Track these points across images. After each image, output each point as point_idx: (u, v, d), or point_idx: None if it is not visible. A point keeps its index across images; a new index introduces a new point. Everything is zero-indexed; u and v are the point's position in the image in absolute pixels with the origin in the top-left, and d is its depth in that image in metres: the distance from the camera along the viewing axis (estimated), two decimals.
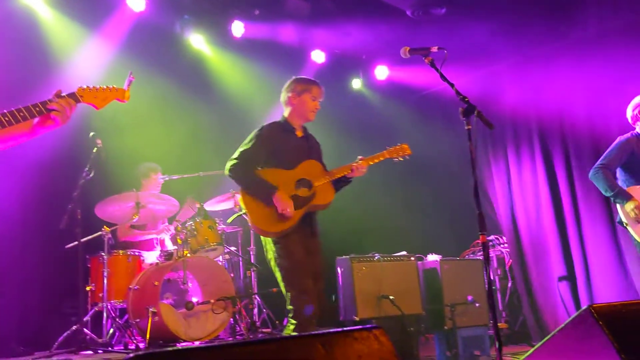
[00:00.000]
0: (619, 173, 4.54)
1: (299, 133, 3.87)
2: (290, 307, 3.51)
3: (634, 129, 4.60)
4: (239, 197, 3.70)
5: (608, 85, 6.05)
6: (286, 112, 3.88)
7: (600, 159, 4.53)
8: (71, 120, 2.95)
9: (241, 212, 3.64)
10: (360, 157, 3.87)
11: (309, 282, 3.54)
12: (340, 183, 3.85)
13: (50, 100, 2.66)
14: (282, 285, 3.58)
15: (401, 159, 4.04)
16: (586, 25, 6.26)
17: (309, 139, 3.95)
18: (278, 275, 3.60)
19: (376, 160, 3.94)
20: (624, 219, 4.32)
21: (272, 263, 3.64)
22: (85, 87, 2.84)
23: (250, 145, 3.70)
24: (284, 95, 3.88)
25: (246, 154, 3.68)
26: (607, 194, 4.43)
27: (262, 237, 3.70)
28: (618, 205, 4.37)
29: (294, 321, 3.46)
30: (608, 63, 6.09)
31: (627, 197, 4.28)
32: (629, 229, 4.29)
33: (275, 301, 6.34)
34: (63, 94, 2.74)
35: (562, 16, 6.32)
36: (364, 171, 3.83)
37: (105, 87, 2.91)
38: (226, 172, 3.68)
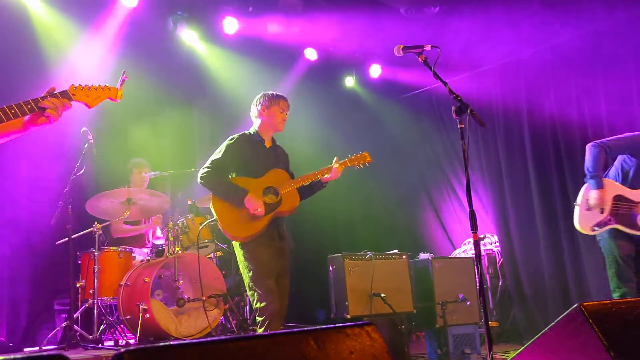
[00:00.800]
0: (613, 171, 4.50)
1: (268, 144, 4.12)
2: (256, 305, 3.74)
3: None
4: (210, 206, 3.88)
5: (602, 85, 6.09)
6: (256, 124, 4.11)
7: (607, 139, 4.46)
8: (63, 115, 2.94)
9: (212, 219, 3.86)
10: (336, 158, 4.09)
11: (272, 283, 3.79)
12: (314, 189, 4.11)
13: (43, 98, 2.64)
14: (247, 285, 3.82)
15: (361, 167, 4.21)
16: (579, 25, 6.29)
17: (277, 149, 4.20)
18: (245, 277, 3.83)
19: (347, 164, 4.16)
20: (578, 201, 4.37)
21: (241, 266, 3.87)
22: (77, 85, 2.82)
23: (221, 154, 3.94)
24: (253, 110, 4.13)
25: (218, 162, 3.92)
26: (587, 172, 4.39)
27: (234, 243, 3.92)
28: (584, 187, 4.40)
29: (259, 318, 3.71)
30: (599, 63, 6.14)
31: (599, 186, 4.29)
32: (576, 209, 4.36)
33: None
34: (56, 92, 2.72)
35: (554, 16, 6.35)
36: (338, 175, 4.07)
37: (97, 85, 2.89)
38: (199, 180, 3.90)
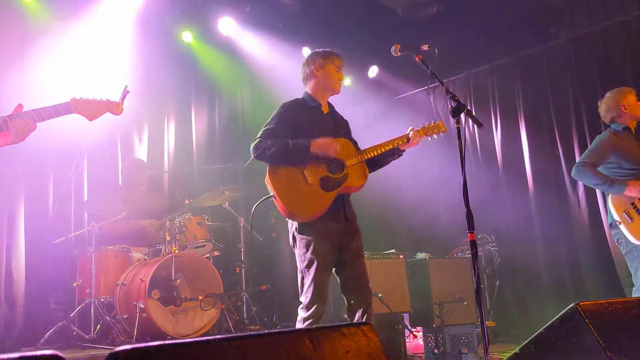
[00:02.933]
0: (618, 173, 4.32)
1: (325, 109, 3.60)
2: (301, 299, 3.26)
3: (609, 126, 4.55)
4: (265, 180, 3.32)
5: (596, 86, 6.10)
6: (308, 87, 3.60)
7: (582, 157, 4.36)
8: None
9: (269, 196, 3.33)
10: (411, 127, 3.63)
11: (326, 280, 3.27)
12: (392, 156, 3.62)
13: (10, 118, 2.65)
14: (299, 275, 3.32)
15: (435, 137, 3.75)
16: (574, 27, 6.31)
17: (335, 115, 3.68)
18: (298, 264, 3.33)
19: (422, 134, 3.67)
20: (616, 218, 4.14)
21: (295, 250, 3.38)
22: (78, 97, 2.84)
23: (272, 124, 3.40)
24: (305, 70, 3.61)
25: (269, 132, 3.36)
26: (599, 187, 4.27)
27: (289, 223, 3.41)
28: (611, 205, 4.19)
29: (303, 314, 3.23)
30: (597, 63, 6.16)
31: (624, 184, 4.09)
32: (621, 228, 4.12)
33: (264, 298, 6.35)
34: (57, 104, 2.74)
35: (551, 18, 6.37)
36: (419, 142, 3.61)
37: (99, 99, 2.91)
38: (251, 151, 3.35)
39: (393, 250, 5.31)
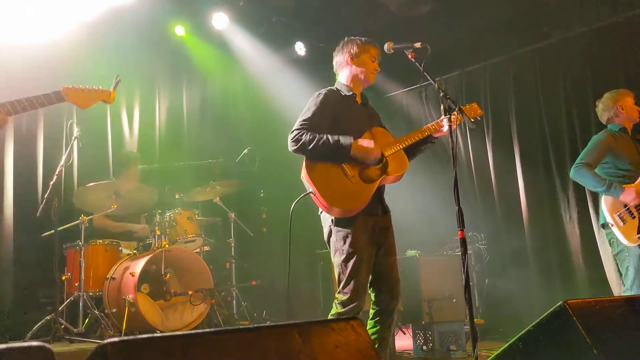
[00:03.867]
0: (613, 174, 4.37)
1: (359, 99, 3.50)
2: (338, 296, 3.16)
3: (606, 126, 4.57)
4: (302, 176, 3.21)
5: (588, 86, 6.14)
6: (342, 77, 3.50)
7: (580, 157, 4.39)
8: (50, 106, 2.92)
9: (308, 192, 3.21)
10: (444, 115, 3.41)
11: (364, 276, 3.17)
12: (425, 144, 3.49)
13: None
14: (335, 271, 3.21)
15: (472, 120, 3.43)
16: (567, 27, 6.34)
17: (368, 105, 3.57)
18: (334, 260, 3.22)
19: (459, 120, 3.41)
20: (608, 220, 4.20)
21: (330, 245, 3.26)
22: (70, 86, 2.82)
23: (310, 113, 3.27)
24: (339, 58, 3.50)
25: (307, 122, 3.23)
26: (597, 189, 4.28)
27: (322, 217, 3.31)
28: (603, 206, 4.24)
29: (339, 310, 3.12)
30: (588, 63, 6.19)
31: (621, 188, 4.13)
32: (613, 230, 4.17)
33: (254, 294, 6.35)
34: (49, 92, 2.73)
35: (544, 18, 6.39)
36: (455, 126, 3.31)
37: (91, 88, 2.89)
38: (289, 144, 3.22)
39: None
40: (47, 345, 1.16)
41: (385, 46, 3.41)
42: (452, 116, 3.23)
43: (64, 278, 4.93)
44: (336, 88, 3.47)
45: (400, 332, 4.99)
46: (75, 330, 4.65)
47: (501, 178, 6.83)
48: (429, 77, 3.25)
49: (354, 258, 3.13)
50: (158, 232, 5.12)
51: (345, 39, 3.52)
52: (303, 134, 3.18)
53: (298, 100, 6.98)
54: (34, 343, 1.04)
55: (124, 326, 4.50)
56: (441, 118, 3.36)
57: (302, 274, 6.37)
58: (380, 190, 3.33)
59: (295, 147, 3.20)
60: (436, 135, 3.46)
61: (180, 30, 6.60)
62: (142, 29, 6.18)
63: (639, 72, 5.82)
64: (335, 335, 1.40)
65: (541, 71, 6.59)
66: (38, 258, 5.26)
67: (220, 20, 6.54)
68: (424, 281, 5.20)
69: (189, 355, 1.16)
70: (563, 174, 6.15)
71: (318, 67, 7.48)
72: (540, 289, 6.25)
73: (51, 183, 4.81)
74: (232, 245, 6.09)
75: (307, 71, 7.29)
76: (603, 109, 4.56)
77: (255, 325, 3.18)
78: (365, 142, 3.21)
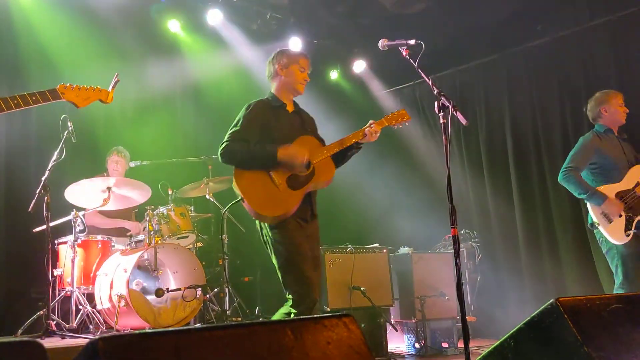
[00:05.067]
0: (584, 174, 4.50)
1: (290, 108, 3.61)
2: (289, 296, 3.24)
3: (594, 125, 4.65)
4: (233, 184, 3.35)
5: (581, 85, 6.16)
6: (273, 87, 3.63)
7: (567, 161, 4.49)
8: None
9: (237, 200, 3.35)
10: (371, 120, 3.63)
11: (310, 269, 3.28)
12: (351, 150, 3.59)
13: None
14: (280, 273, 3.30)
15: (400, 126, 3.79)
16: (561, 26, 6.36)
17: (301, 113, 3.68)
18: (276, 262, 3.32)
19: (385, 124, 3.68)
20: (595, 220, 4.30)
21: (270, 250, 3.36)
22: (67, 85, 2.81)
23: (239, 125, 3.41)
24: (270, 69, 3.63)
25: (237, 134, 3.38)
26: (581, 196, 4.38)
27: (258, 222, 3.40)
28: (589, 207, 4.34)
29: (294, 310, 3.20)
30: (581, 62, 6.21)
31: (603, 198, 4.25)
32: (600, 229, 4.27)
33: (246, 290, 6.35)
34: (44, 90, 2.72)
35: (538, 16, 6.41)
36: (377, 136, 3.59)
37: (88, 87, 2.88)
38: (219, 156, 3.37)
39: (377, 245, 5.32)
40: (38, 340, 1.15)
41: (380, 43, 3.42)
42: (373, 125, 3.53)
43: (55, 274, 4.91)
44: (267, 98, 3.59)
45: (392, 329, 4.99)
46: (67, 326, 4.63)
47: (494, 176, 6.85)
48: (423, 75, 3.26)
49: (296, 256, 3.26)
50: (150, 228, 5.11)
51: (277, 50, 3.65)
52: (232, 145, 3.34)
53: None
54: (25, 338, 1.04)
55: (116, 322, 4.49)
56: (365, 126, 3.56)
57: None
58: (310, 196, 3.43)
59: (224, 159, 3.36)
60: (362, 141, 3.57)
61: (174, 26, 6.57)
62: (135, 23, 6.15)
63: (632, 71, 5.85)
64: (327, 332, 1.40)
65: (534, 69, 6.60)
66: (29, 253, 5.23)
67: (215, 17, 6.51)
68: (417, 278, 5.22)
69: (181, 351, 1.16)
70: (555, 171, 6.12)
71: (313, 63, 7.48)
72: (532, 286, 6.27)
73: (43, 178, 4.78)
74: (225, 241, 6.08)
75: None
76: (589, 109, 4.67)
77: (248, 321, 3.19)
78: (291, 148, 3.31)
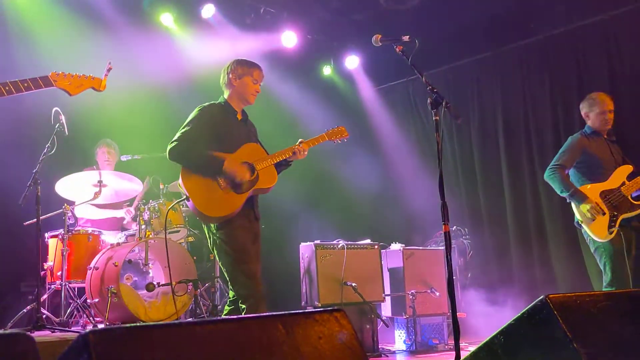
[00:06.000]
0: (571, 172, 4.60)
1: (239, 116, 3.77)
2: (239, 292, 3.43)
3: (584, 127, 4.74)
4: (179, 182, 3.51)
5: (574, 83, 6.19)
6: (226, 94, 3.77)
7: (555, 159, 4.59)
8: (34, 94, 2.89)
9: (183, 198, 3.52)
10: (301, 139, 3.82)
11: (254, 267, 3.48)
12: (280, 167, 3.79)
13: None
14: (226, 271, 3.49)
15: (339, 142, 4.01)
16: (554, 24, 6.37)
17: (247, 122, 3.87)
18: (222, 262, 3.51)
19: (316, 143, 3.92)
20: (579, 218, 4.41)
21: (216, 250, 3.55)
22: (59, 72, 2.79)
23: (190, 126, 3.56)
24: (224, 77, 3.77)
25: (187, 134, 3.53)
26: (563, 194, 4.49)
27: (204, 228, 3.61)
28: (573, 205, 4.45)
29: (243, 305, 3.39)
30: (574, 60, 6.24)
31: (583, 198, 4.35)
32: (584, 227, 4.38)
33: None
34: (36, 77, 2.69)
35: (531, 14, 6.42)
36: (305, 154, 3.79)
37: (81, 74, 2.86)
38: (167, 154, 3.52)
39: (368, 241, 5.33)
40: (28, 333, 1.15)
41: (373, 39, 3.43)
42: (300, 146, 3.74)
43: (46, 267, 4.88)
44: (220, 103, 3.75)
45: (383, 325, 5.00)
46: (57, 320, 4.61)
47: (486, 173, 6.87)
48: (416, 71, 3.26)
49: (242, 255, 3.47)
50: (142, 223, 5.09)
51: (233, 59, 3.79)
52: (182, 145, 3.48)
53: (286, 93, 7.00)
54: (15, 331, 1.03)
55: (106, 316, 4.48)
56: (297, 143, 3.77)
57: (283, 268, 6.36)
58: (252, 199, 3.64)
59: (172, 157, 3.51)
60: (291, 159, 3.78)
61: (167, 19, 6.53)
62: (128, 16, 6.12)
63: (623, 70, 5.88)
64: (319, 327, 1.40)
65: (527, 67, 6.62)
66: (20, 247, 5.20)
67: (208, 10, 6.48)
68: (408, 274, 5.23)
69: (171, 345, 1.15)
70: (546, 169, 6.20)
71: (307, 58, 7.47)
72: (522, 283, 6.31)
73: (34, 171, 4.75)
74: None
75: (296, 63, 7.27)
76: (581, 109, 4.79)
77: (239, 316, 3.22)
78: (236, 166, 3.49)
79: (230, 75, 3.73)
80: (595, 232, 4.32)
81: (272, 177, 3.67)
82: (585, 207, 4.32)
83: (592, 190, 4.40)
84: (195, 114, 3.63)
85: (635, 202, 4.30)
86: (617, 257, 4.27)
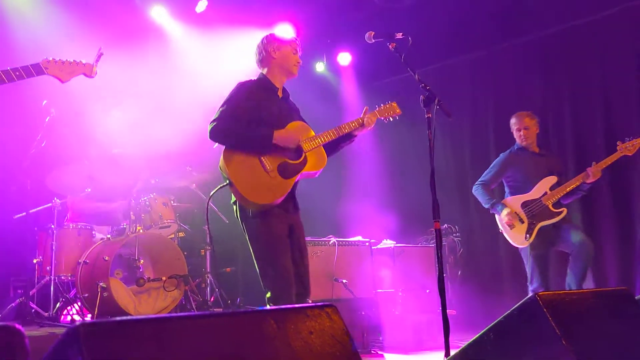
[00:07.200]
0: (506, 187, 4.99)
1: (280, 93, 3.46)
2: (267, 290, 3.13)
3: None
4: (220, 165, 3.19)
5: (567, 82, 6.22)
6: (265, 70, 3.47)
7: (482, 175, 5.02)
8: (24, 86, 2.87)
9: (224, 184, 3.21)
10: (366, 107, 3.59)
11: (289, 262, 3.17)
12: (344, 140, 3.52)
13: None
14: (257, 265, 3.18)
15: (391, 119, 3.75)
16: (546, 24, 6.40)
17: (289, 101, 3.55)
18: (254, 253, 3.20)
19: (377, 116, 3.65)
20: (500, 226, 4.82)
21: (249, 239, 3.22)
22: (50, 59, 2.76)
23: (230, 103, 3.26)
24: (260, 53, 3.47)
25: (227, 112, 3.22)
26: (486, 206, 4.90)
27: (237, 210, 3.26)
28: (496, 216, 4.84)
29: (270, 304, 3.11)
30: (566, 60, 6.26)
31: (502, 208, 4.75)
32: (505, 235, 4.79)
33: (228, 281, 6.33)
34: (28, 65, 2.68)
35: (524, 14, 6.44)
36: (373, 126, 3.54)
37: (72, 60, 2.84)
38: (209, 133, 3.21)
39: (359, 237, 5.34)
40: (17, 326, 1.14)
41: (367, 36, 3.42)
42: (368, 114, 3.50)
43: (35, 261, 4.86)
44: (259, 79, 3.44)
45: (374, 321, 5.01)
46: (45, 314, 4.59)
47: (478, 171, 6.88)
48: (409, 69, 3.27)
49: (275, 248, 3.15)
50: (132, 217, 5.07)
51: (266, 34, 3.51)
52: (223, 123, 3.17)
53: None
54: (4, 324, 1.03)
55: (96, 311, 4.46)
56: (361, 116, 3.50)
57: None
58: (294, 187, 3.30)
59: (214, 137, 3.19)
60: (356, 133, 3.51)
61: (158, 12, 6.50)
62: (122, 8, 6.09)
63: (615, 69, 5.91)
64: (310, 322, 1.40)
65: (520, 66, 6.64)
66: (10, 240, 5.17)
67: (201, 4, 6.46)
68: (398, 271, 5.25)
69: (162, 338, 1.15)
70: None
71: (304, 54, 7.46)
72: (512, 281, 6.33)
73: (24, 164, 4.72)
74: (208, 232, 6.05)
75: None
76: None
77: (230, 310, 3.20)
78: (287, 131, 3.23)
79: (269, 48, 3.43)
80: (513, 239, 4.73)
81: (322, 159, 3.35)
82: (504, 212, 4.72)
83: (514, 201, 4.78)
84: (235, 90, 3.34)
85: (554, 210, 4.63)
86: (536, 260, 4.67)
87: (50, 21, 5.70)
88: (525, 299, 2.06)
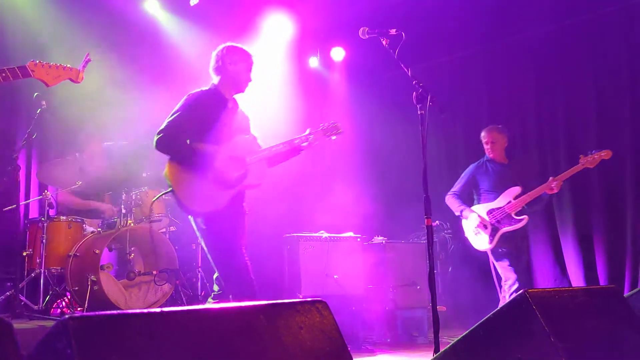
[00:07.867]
0: (475, 196, 5.14)
1: (230, 104, 3.54)
2: (217, 288, 3.38)
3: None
4: (165, 173, 3.32)
5: (561, 81, 6.24)
6: (217, 79, 3.54)
7: (454, 186, 5.19)
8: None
9: (168, 190, 3.33)
10: (309, 128, 3.68)
11: (243, 260, 3.32)
12: (291, 154, 3.65)
13: None
14: (217, 266, 3.37)
15: (334, 138, 3.78)
16: (541, 22, 6.41)
17: (238, 112, 3.62)
18: (211, 255, 3.38)
19: (325, 134, 3.71)
20: (467, 234, 5.01)
21: (204, 243, 3.41)
22: (37, 61, 2.75)
23: (177, 114, 3.35)
24: (215, 62, 3.54)
25: (174, 123, 3.32)
26: (457, 213, 5.07)
27: (190, 217, 3.43)
28: (463, 221, 5.03)
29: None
30: (558, 60, 6.28)
31: (468, 214, 4.95)
32: (470, 240, 4.98)
33: None
34: (14, 67, 2.66)
35: (519, 12, 6.45)
36: (317, 144, 3.63)
37: (59, 65, 2.83)
38: (154, 144, 3.33)
39: (351, 233, 5.34)
40: (5, 319, 1.14)
41: (360, 31, 3.41)
42: (311, 133, 3.58)
43: (25, 254, 4.82)
44: (209, 90, 3.52)
45: (364, 317, 5.03)
46: (35, 307, 4.57)
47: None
48: (402, 65, 3.26)
49: (231, 246, 3.32)
50: (123, 211, 5.05)
51: (227, 44, 3.57)
52: (168, 136, 3.28)
53: (276, 83, 6.96)
54: None
55: (86, 304, 4.44)
56: (306, 132, 3.61)
57: (268, 257, 6.36)
58: (240, 194, 3.46)
59: (160, 148, 3.31)
60: (304, 148, 3.62)
61: (151, 5, 6.46)
62: (112, 2, 6.05)
63: (608, 69, 5.93)
64: (300, 317, 1.40)
65: (512, 64, 6.66)
66: None
67: None
68: (389, 267, 5.26)
69: (152, 332, 1.15)
70: None
71: (293, 49, 7.44)
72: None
73: (14, 156, 4.69)
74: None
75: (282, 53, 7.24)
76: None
77: (221, 305, 3.20)
78: (225, 165, 3.33)
79: (227, 59, 3.51)
80: (476, 244, 4.93)
81: (262, 174, 3.47)
82: (468, 222, 4.94)
83: (480, 208, 4.94)
84: (184, 101, 3.42)
85: (516, 217, 4.82)
86: (500, 262, 4.86)
87: (42, 17, 5.65)
88: (515, 295, 2.07)
